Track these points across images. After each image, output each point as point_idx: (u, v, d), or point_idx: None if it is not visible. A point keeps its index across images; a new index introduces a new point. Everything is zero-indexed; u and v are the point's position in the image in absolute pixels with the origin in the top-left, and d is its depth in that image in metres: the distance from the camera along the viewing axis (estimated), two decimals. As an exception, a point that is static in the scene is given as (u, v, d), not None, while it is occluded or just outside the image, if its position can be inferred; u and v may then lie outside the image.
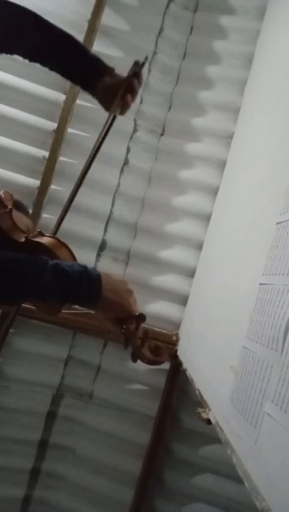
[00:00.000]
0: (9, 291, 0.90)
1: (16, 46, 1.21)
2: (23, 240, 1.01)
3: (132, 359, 0.98)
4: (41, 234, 1.05)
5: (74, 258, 1.02)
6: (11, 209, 1.05)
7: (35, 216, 1.94)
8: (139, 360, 0.98)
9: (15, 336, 2.03)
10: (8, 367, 2.03)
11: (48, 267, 0.88)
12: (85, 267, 0.92)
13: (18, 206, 1.13)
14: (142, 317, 0.97)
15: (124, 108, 1.21)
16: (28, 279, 0.88)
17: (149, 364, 0.99)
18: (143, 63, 1.22)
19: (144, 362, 0.98)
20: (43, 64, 1.24)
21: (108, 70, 1.22)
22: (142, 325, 0.98)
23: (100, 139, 1.26)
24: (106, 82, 1.19)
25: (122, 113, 1.23)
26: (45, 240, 1.01)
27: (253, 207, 1.27)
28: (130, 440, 2.06)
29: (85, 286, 0.90)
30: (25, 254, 0.92)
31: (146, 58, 1.23)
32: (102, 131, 1.26)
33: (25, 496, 2.08)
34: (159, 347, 1.00)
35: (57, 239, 1.03)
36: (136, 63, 1.22)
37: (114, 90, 1.18)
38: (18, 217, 1.06)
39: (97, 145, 1.27)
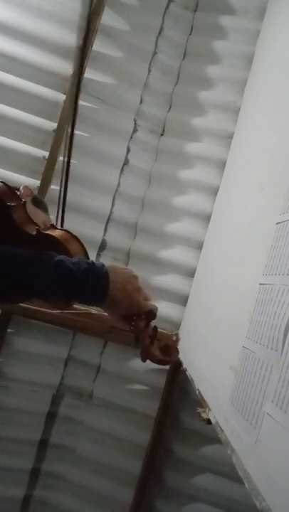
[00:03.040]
0: (10, 289, 0.87)
1: None
2: (34, 232, 0.99)
3: (141, 358, 0.93)
4: (53, 227, 1.04)
5: (85, 251, 0.99)
6: (25, 202, 1.03)
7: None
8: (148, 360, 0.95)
9: (15, 336, 2.03)
10: (8, 367, 2.03)
11: (52, 264, 0.84)
12: (91, 265, 0.87)
13: (37, 202, 1.11)
14: (151, 314, 0.93)
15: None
16: (29, 277, 0.84)
17: (158, 363, 0.95)
18: None
19: (153, 361, 0.94)
20: None
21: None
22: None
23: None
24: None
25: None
26: (56, 233, 0.99)
27: (253, 207, 1.27)
28: (130, 440, 2.06)
29: (91, 285, 0.85)
30: (36, 248, 0.90)
31: None
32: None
33: (25, 496, 2.08)
34: (169, 346, 0.96)
35: (68, 232, 1.00)
36: None
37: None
38: (34, 212, 1.05)
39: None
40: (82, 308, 1.85)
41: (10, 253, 0.86)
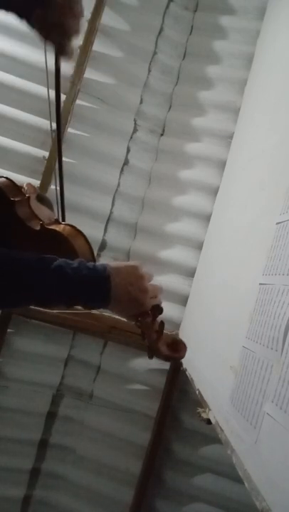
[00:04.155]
0: (8, 295, 0.84)
1: None
2: (38, 228, 0.98)
3: (148, 355, 0.90)
4: (57, 222, 1.03)
5: (90, 247, 0.97)
6: (29, 197, 1.02)
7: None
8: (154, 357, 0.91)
9: (15, 336, 2.03)
10: (8, 367, 2.03)
11: (50, 270, 0.81)
12: (92, 269, 0.84)
13: (42, 199, 1.10)
14: (158, 309, 0.89)
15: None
16: (28, 283, 0.82)
17: (165, 360, 0.91)
18: None
19: (160, 358, 0.90)
20: None
21: None
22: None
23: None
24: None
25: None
26: (61, 228, 0.96)
27: (253, 207, 1.27)
28: (130, 440, 2.06)
29: (92, 291, 0.83)
30: (40, 243, 0.89)
31: None
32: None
33: (25, 496, 2.08)
34: (177, 341, 0.92)
35: (73, 227, 0.98)
36: None
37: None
38: (39, 208, 1.04)
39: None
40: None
41: (9, 258, 0.83)
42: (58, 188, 1.24)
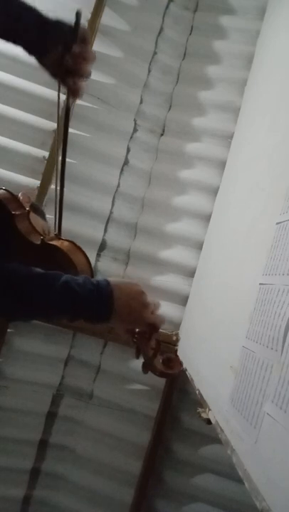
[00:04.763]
0: (14, 308, 0.86)
1: None
2: (39, 242, 1.00)
3: (142, 370, 0.95)
4: (57, 237, 1.04)
5: (89, 263, 1.00)
6: (29, 211, 1.04)
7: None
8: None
9: (15, 336, 2.03)
10: (8, 367, 2.03)
11: (58, 286, 0.84)
12: (96, 285, 0.88)
13: (35, 209, 1.12)
14: (154, 327, 0.93)
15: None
16: (34, 298, 0.84)
17: (160, 376, 0.96)
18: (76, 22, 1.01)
19: (155, 374, 0.95)
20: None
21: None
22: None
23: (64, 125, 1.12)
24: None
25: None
26: (61, 244, 1.00)
27: (253, 207, 1.27)
28: (130, 440, 2.06)
29: (96, 306, 0.87)
30: (40, 258, 0.90)
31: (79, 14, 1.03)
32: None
33: (25, 496, 2.08)
34: (172, 359, 0.97)
35: (73, 243, 1.01)
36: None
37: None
38: (35, 220, 1.06)
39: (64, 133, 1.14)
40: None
41: (16, 272, 0.85)
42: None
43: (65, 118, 1.10)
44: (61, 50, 0.93)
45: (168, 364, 0.96)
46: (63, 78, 0.96)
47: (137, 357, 0.95)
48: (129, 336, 0.95)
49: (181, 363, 0.99)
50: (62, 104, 1.13)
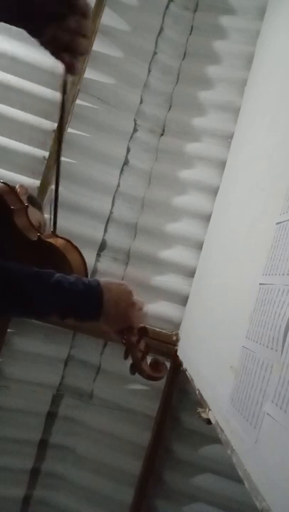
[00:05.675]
0: (6, 306, 0.88)
1: None
2: (35, 238, 1.00)
3: (130, 371, 0.97)
4: (54, 235, 1.05)
5: (84, 262, 1.02)
6: (27, 206, 1.04)
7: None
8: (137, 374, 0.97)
9: (15, 336, 2.03)
10: (8, 367, 2.03)
11: (49, 285, 0.87)
12: (87, 285, 0.91)
13: (32, 201, 1.12)
14: (144, 331, 0.96)
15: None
16: (26, 296, 0.87)
17: (147, 379, 0.98)
18: None
19: (142, 376, 0.97)
20: None
21: None
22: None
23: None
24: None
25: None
26: (57, 242, 1.01)
27: (253, 207, 1.27)
28: (130, 440, 2.06)
29: (86, 305, 0.90)
30: (36, 254, 0.91)
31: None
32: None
33: (25, 496, 2.08)
34: (159, 363, 1.00)
35: (69, 241, 1.03)
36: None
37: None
38: (32, 213, 1.06)
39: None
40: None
41: (9, 272, 0.87)
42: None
43: (61, 96, 1.11)
44: (55, 23, 0.88)
45: (155, 367, 0.98)
46: (58, 54, 0.90)
47: (126, 358, 0.98)
48: (119, 336, 0.96)
49: (166, 367, 1.03)
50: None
